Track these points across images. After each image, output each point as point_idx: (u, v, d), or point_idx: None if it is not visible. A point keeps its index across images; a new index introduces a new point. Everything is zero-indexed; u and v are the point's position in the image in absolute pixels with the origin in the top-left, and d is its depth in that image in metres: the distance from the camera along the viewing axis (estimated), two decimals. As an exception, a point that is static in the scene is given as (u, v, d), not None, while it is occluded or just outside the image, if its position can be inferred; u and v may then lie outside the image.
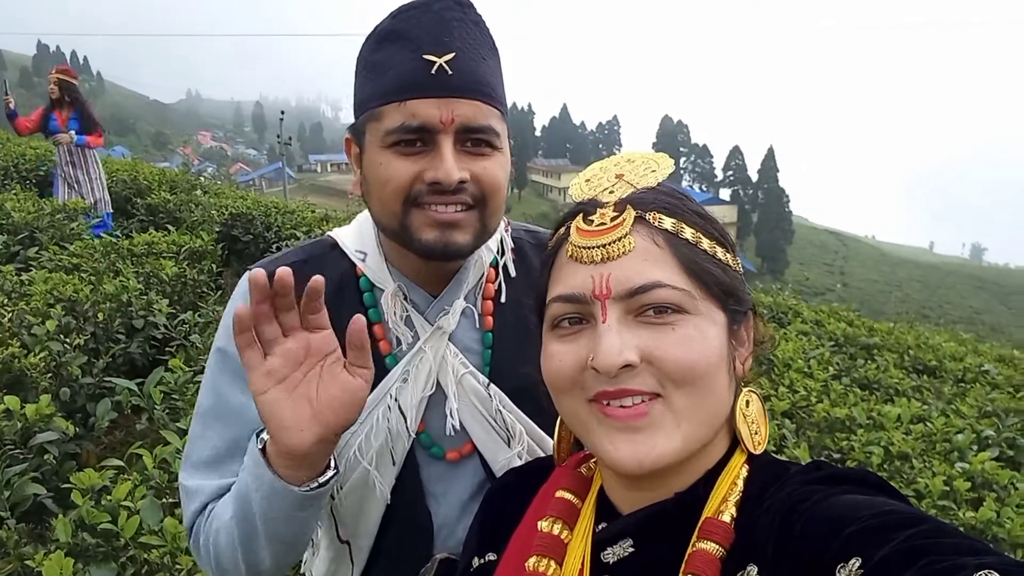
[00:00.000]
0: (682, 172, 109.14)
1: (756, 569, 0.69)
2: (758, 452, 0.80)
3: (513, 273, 1.20)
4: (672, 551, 0.75)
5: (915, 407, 3.87)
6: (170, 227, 6.70)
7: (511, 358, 1.13)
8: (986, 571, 0.52)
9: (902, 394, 4.53)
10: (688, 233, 0.78)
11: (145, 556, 1.95)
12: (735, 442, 0.81)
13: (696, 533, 0.74)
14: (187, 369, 3.28)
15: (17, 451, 2.43)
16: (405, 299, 1.15)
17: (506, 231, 1.23)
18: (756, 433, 0.80)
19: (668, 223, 0.78)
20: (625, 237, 0.76)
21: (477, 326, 1.17)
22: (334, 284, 1.15)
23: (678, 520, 0.77)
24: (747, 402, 0.80)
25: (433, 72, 1.01)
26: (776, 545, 0.68)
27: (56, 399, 3.05)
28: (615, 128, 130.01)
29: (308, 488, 0.96)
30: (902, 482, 2.96)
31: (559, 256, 0.82)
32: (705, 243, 0.79)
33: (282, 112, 44.67)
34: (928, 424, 3.65)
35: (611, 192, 0.82)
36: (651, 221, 0.77)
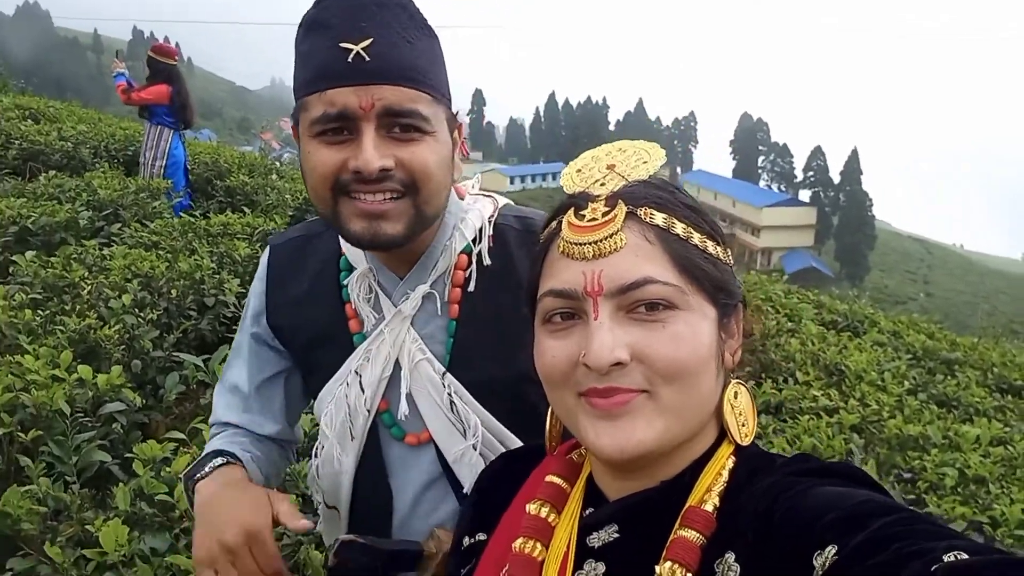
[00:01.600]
0: (760, 171, 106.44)
1: (733, 556, 0.71)
2: (745, 443, 0.81)
3: (487, 262, 1.18)
4: (656, 538, 0.76)
5: (996, 428, 3.65)
6: (246, 209, 6.89)
7: (474, 349, 1.15)
8: (955, 552, 0.54)
9: (982, 414, 4.28)
10: (679, 228, 0.79)
11: (198, 529, 2.00)
12: (723, 433, 0.82)
13: (679, 521, 0.76)
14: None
15: (87, 419, 2.53)
16: (375, 281, 1.19)
17: (490, 219, 1.21)
18: (744, 425, 0.82)
19: (659, 218, 0.79)
20: (617, 234, 0.77)
21: (440, 313, 1.17)
22: (321, 262, 1.25)
23: (663, 508, 0.79)
24: (735, 393, 0.82)
25: (350, 60, 1.00)
26: (756, 533, 0.70)
27: (127, 370, 3.17)
28: (692, 124, 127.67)
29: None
30: (977, 507, 2.79)
31: (551, 250, 0.82)
32: (696, 237, 0.80)
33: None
34: (1009, 447, 3.43)
35: (602, 184, 0.82)
36: (642, 217, 0.78)
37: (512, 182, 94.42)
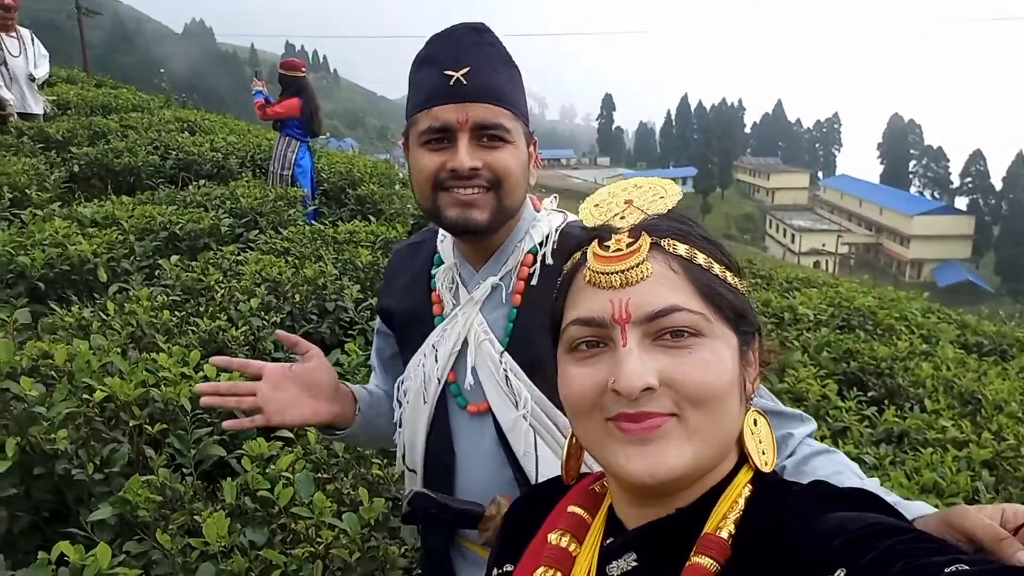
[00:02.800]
0: (911, 176, 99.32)
1: None
2: (766, 471, 0.83)
3: (549, 262, 1.38)
4: (672, 565, 0.78)
5: None
6: (372, 217, 7.21)
7: (529, 334, 1.34)
8: (957, 565, 0.56)
9: None
10: (701, 259, 0.82)
11: (293, 525, 2.12)
12: (741, 461, 0.85)
13: (694, 548, 0.77)
14: (360, 353, 3.51)
15: (205, 414, 2.74)
16: (457, 273, 1.43)
17: (557, 227, 1.42)
18: (764, 453, 0.84)
19: (682, 249, 0.82)
20: (643, 263, 0.80)
21: (505, 302, 1.39)
22: (421, 260, 1.53)
23: (680, 535, 0.80)
24: (755, 421, 0.85)
25: (451, 84, 1.28)
26: (766, 560, 0.71)
27: (249, 370, 3.40)
28: (835, 126, 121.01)
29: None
30: None
31: (575, 281, 0.85)
32: (716, 268, 0.83)
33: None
34: None
35: (622, 218, 0.86)
36: (666, 247, 0.82)
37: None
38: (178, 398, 2.66)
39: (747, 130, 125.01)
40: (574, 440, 0.93)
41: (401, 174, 9.51)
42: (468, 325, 1.39)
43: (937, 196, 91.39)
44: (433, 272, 1.48)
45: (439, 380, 1.40)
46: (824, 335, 4.79)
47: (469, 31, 1.33)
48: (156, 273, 4.47)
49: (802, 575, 0.66)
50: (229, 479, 2.25)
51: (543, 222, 1.42)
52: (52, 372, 2.72)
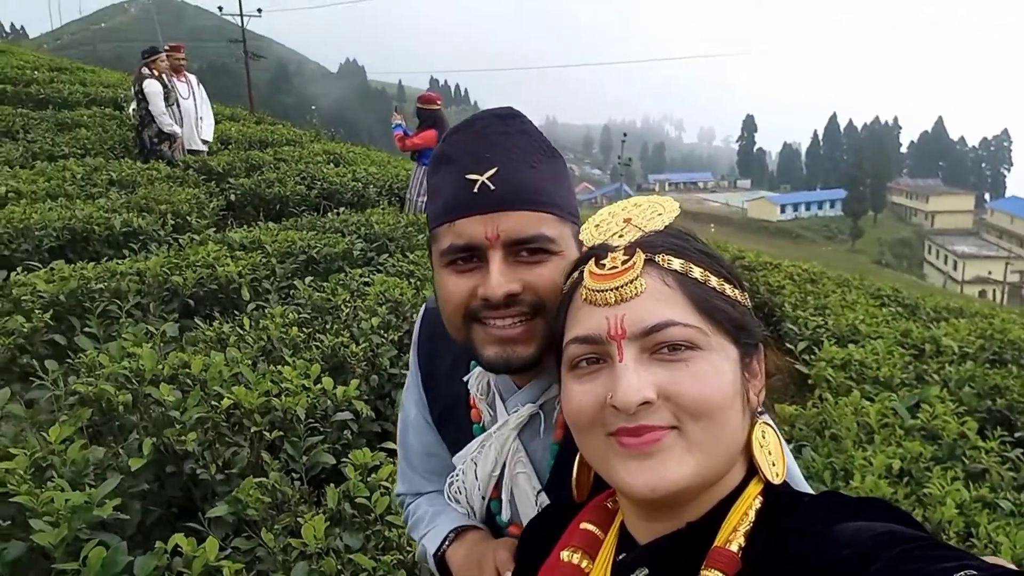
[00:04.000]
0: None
1: None
2: (777, 483, 0.83)
3: None
4: None
5: None
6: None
7: (569, 477, 1.12)
8: (965, 571, 0.56)
9: None
10: (696, 272, 0.83)
11: (387, 533, 2.22)
12: (750, 473, 0.84)
13: (705, 561, 0.77)
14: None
15: (321, 425, 2.92)
16: (494, 383, 1.23)
17: None
18: (774, 464, 0.84)
19: (676, 264, 0.82)
20: (637, 279, 0.81)
21: (544, 434, 1.19)
22: (460, 350, 1.27)
23: (690, 548, 0.80)
24: (763, 433, 0.85)
25: (476, 190, 1.03)
26: (776, 572, 0.71)
27: (366, 383, 3.58)
28: (1004, 144, 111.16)
29: None
30: None
31: (574, 299, 0.87)
32: (713, 281, 0.83)
33: (624, 134, 46.51)
34: None
35: (621, 236, 0.87)
36: (660, 263, 0.82)
37: (783, 210, 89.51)
38: (296, 407, 2.84)
39: (903, 149, 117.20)
40: (582, 458, 0.94)
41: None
42: (505, 451, 1.22)
43: None
44: (468, 374, 1.27)
45: (483, 497, 1.27)
46: (969, 369, 4.40)
47: (493, 120, 1.10)
48: (291, 293, 4.81)
49: None
50: (332, 485, 2.38)
51: None
52: (188, 380, 2.99)
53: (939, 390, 3.99)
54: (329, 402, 3.08)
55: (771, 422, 0.87)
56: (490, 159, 1.04)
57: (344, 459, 2.79)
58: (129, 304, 4.15)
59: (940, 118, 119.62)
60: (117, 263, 4.74)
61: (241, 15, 36.31)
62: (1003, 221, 77.03)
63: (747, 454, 0.84)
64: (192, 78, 9.80)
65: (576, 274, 0.89)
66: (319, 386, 3.13)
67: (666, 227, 0.87)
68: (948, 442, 3.40)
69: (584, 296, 0.84)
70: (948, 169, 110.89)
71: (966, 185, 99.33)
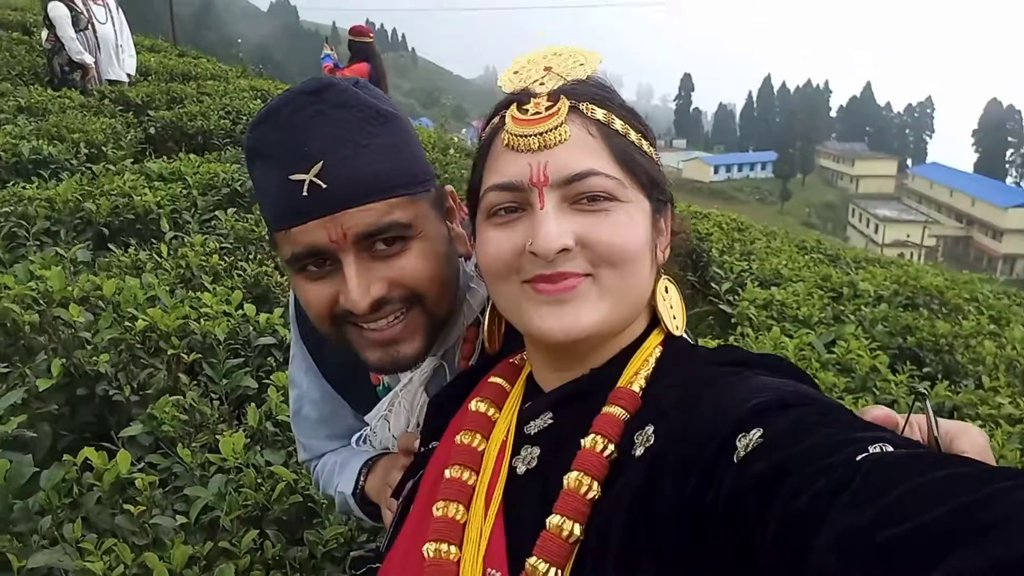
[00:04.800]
0: (1007, 166, 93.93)
1: (652, 428, 0.73)
2: (677, 334, 0.86)
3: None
4: (585, 420, 0.79)
5: None
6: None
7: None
8: (880, 443, 0.55)
9: None
10: (618, 124, 0.82)
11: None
12: (652, 325, 0.88)
13: (607, 400, 0.79)
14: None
15: (240, 348, 2.84)
16: None
17: None
18: (675, 317, 0.87)
19: (600, 114, 0.81)
20: (561, 126, 0.79)
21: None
22: None
23: (593, 392, 0.82)
24: (666, 288, 0.88)
25: (305, 193, 0.90)
26: (676, 412, 0.72)
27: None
28: (928, 111, 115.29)
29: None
30: None
31: (494, 145, 0.85)
32: (633, 135, 0.83)
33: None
34: None
35: (542, 84, 0.85)
36: (584, 111, 0.81)
37: (716, 171, 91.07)
38: (215, 331, 2.76)
39: (833, 114, 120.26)
40: (493, 309, 0.95)
41: (456, 139, 9.56)
42: (415, 407, 1.18)
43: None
44: None
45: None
46: (883, 310, 4.60)
47: (302, 101, 0.93)
48: (212, 223, 4.63)
49: (712, 431, 0.65)
50: (252, 404, 2.33)
51: (479, 283, 1.13)
52: (100, 302, 2.86)
53: (854, 328, 4.16)
54: (251, 329, 3.00)
55: (673, 281, 0.90)
56: (312, 153, 0.90)
57: (267, 383, 2.74)
58: (37, 228, 3.92)
59: (868, 83, 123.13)
60: (24, 187, 4.47)
61: (164, -57, 34.16)
62: (923, 187, 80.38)
63: (650, 307, 0.87)
64: (111, 1, 9.20)
65: (496, 119, 0.87)
66: (240, 312, 3.04)
67: (587, 77, 0.86)
68: (861, 375, 3.55)
69: (506, 141, 0.82)
70: (874, 134, 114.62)
71: (890, 150, 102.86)
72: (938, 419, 0.65)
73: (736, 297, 4.82)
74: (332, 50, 8.53)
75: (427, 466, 0.94)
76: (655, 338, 0.86)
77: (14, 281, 2.96)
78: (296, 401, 1.40)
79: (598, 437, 0.76)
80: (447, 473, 0.86)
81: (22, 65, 9.23)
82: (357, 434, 1.33)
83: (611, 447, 0.76)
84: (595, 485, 0.74)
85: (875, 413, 0.67)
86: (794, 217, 74.21)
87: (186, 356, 2.64)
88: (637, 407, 0.78)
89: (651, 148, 0.86)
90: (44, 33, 8.92)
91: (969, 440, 0.63)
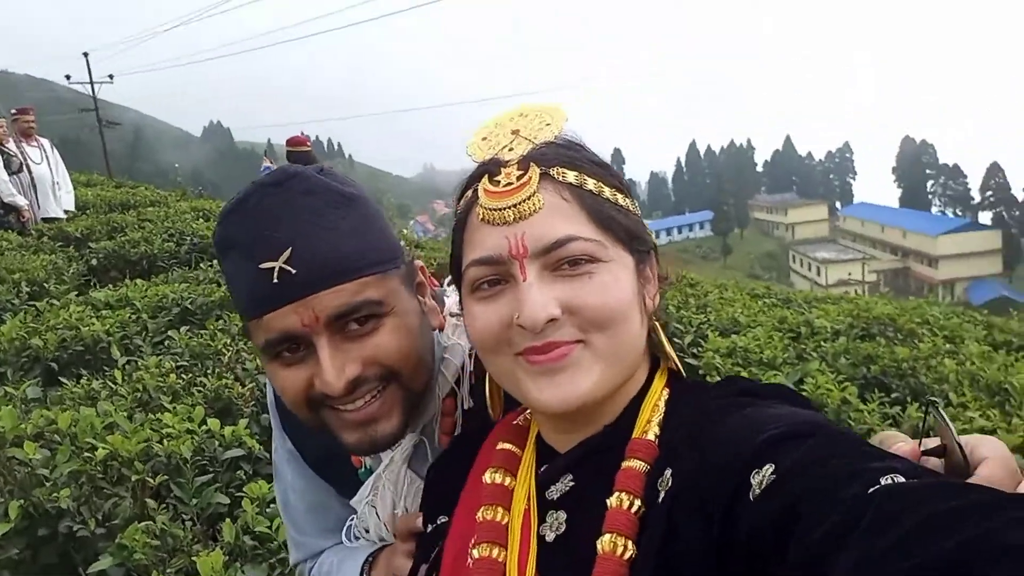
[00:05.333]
0: (930, 197, 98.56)
1: (670, 471, 0.73)
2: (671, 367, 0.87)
3: (468, 404, 1.13)
4: (607, 477, 0.78)
5: None
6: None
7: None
8: (892, 475, 0.54)
9: None
10: (591, 184, 0.81)
11: (292, 559, 2.08)
12: (653, 371, 0.87)
13: (625, 454, 0.79)
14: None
15: (211, 466, 2.74)
16: None
17: (471, 352, 1.14)
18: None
19: (571, 176, 0.81)
20: (534, 196, 0.79)
21: (430, 459, 1.12)
22: None
23: (609, 448, 0.81)
24: (661, 328, 0.88)
25: (276, 280, 0.91)
26: (689, 450, 0.72)
27: (256, 424, 3.40)
28: (847, 156, 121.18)
29: None
30: None
31: (470, 219, 0.84)
32: (607, 191, 0.83)
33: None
34: None
35: (510, 149, 0.85)
36: (555, 176, 0.80)
37: (657, 236, 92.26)
38: (180, 451, 2.65)
39: (759, 168, 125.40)
40: (492, 377, 0.93)
41: (406, 232, 9.64)
42: (400, 487, 1.15)
43: (959, 213, 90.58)
44: None
45: (394, 535, 1.18)
46: (842, 343, 4.69)
47: (268, 191, 0.95)
48: (166, 343, 4.53)
49: (727, 467, 0.65)
50: (228, 520, 2.22)
51: (453, 350, 1.14)
52: (56, 436, 2.74)
53: (818, 364, 4.23)
54: (217, 443, 2.90)
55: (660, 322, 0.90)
56: (281, 239, 0.91)
57: (240, 497, 2.63)
58: (-19, 371, 3.77)
59: (788, 136, 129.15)
60: (-36, 332, 4.33)
61: (91, 82, 34.64)
62: (855, 226, 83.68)
63: (648, 355, 0.87)
64: (45, 142, 9.20)
65: (470, 193, 0.86)
66: (204, 428, 2.95)
67: (555, 137, 0.86)
68: (833, 408, 3.59)
69: (481, 216, 0.82)
70: (800, 183, 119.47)
71: (818, 196, 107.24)
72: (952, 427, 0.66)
73: (699, 349, 4.86)
74: (272, 163, 8.64)
75: (444, 544, 0.90)
76: (660, 381, 0.85)
77: (-39, 427, 2.82)
78: (282, 494, 1.36)
79: (623, 495, 0.75)
80: (475, 553, 0.83)
81: (-45, 213, 9.06)
82: (346, 526, 1.28)
83: (637, 502, 0.75)
84: (629, 544, 0.73)
85: (901, 448, 0.66)
86: (739, 270, 76.06)
87: (151, 480, 2.52)
88: (655, 456, 0.77)
89: (627, 200, 0.85)
90: (-24, 178, 8.85)
91: (989, 446, 0.63)
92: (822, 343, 4.91)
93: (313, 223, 0.93)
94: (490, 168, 0.83)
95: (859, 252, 74.83)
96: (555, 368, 0.77)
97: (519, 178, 0.80)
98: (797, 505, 0.57)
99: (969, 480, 0.60)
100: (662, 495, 0.73)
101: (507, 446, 0.92)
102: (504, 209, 0.79)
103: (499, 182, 0.81)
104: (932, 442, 0.68)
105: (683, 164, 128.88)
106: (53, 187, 9.13)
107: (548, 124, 0.87)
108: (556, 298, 0.77)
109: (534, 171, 0.80)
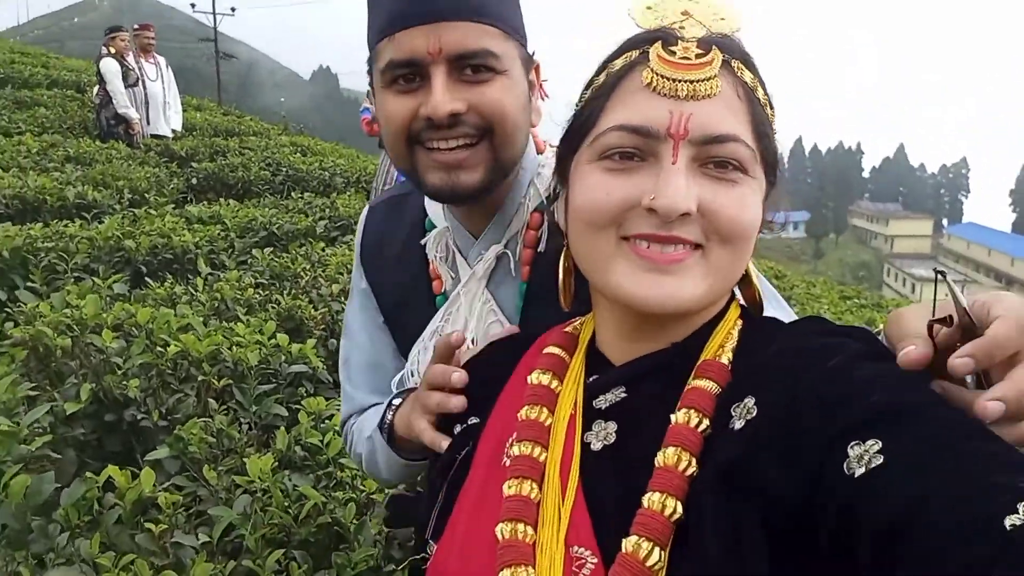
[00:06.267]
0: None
1: (753, 400, 0.68)
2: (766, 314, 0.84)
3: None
4: (665, 394, 0.74)
5: None
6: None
7: (543, 315, 1.03)
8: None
9: None
10: (761, 93, 0.76)
11: (339, 473, 2.09)
12: (730, 299, 0.83)
13: (693, 373, 0.74)
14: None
15: (272, 376, 2.78)
16: (452, 241, 1.17)
17: None
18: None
19: (748, 77, 0.75)
20: (714, 78, 0.72)
21: (514, 275, 1.13)
22: (411, 222, 1.24)
23: (673, 366, 0.77)
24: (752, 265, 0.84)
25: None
26: (783, 387, 0.66)
27: (324, 347, 3.44)
28: (963, 172, 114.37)
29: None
30: None
31: (627, 81, 0.75)
32: (769, 108, 0.77)
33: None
34: None
35: (682, 27, 0.75)
36: (735, 70, 0.74)
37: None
38: (247, 359, 2.70)
39: (865, 175, 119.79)
40: (568, 263, 0.87)
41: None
42: (474, 307, 1.15)
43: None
44: (424, 239, 1.21)
45: None
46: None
47: None
48: (249, 261, 4.65)
49: (822, 424, 0.61)
50: (282, 428, 2.25)
51: (549, 168, 1.14)
52: (134, 329, 2.83)
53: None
54: (283, 357, 2.94)
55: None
56: None
57: (298, 410, 2.66)
58: (74, 262, 3.95)
59: (901, 145, 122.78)
60: (66, 225, 4.54)
61: (214, 13, 35.86)
62: (960, 247, 79.10)
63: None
64: (161, 60, 9.54)
65: (635, 54, 0.76)
66: (272, 341, 2.99)
67: (732, 33, 0.78)
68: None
69: (648, 80, 0.73)
70: (908, 194, 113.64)
71: (925, 210, 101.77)
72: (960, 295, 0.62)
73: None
74: (371, 103, 8.69)
75: (478, 442, 0.85)
76: (735, 311, 0.81)
77: (50, 309, 2.95)
78: (346, 350, 1.36)
79: (691, 411, 0.71)
80: (515, 449, 0.79)
81: (73, 120, 9.56)
82: (397, 376, 1.26)
83: (706, 422, 0.70)
84: (693, 461, 0.69)
85: (912, 351, 0.62)
86: (829, 276, 73.45)
87: (216, 382, 2.58)
88: (727, 380, 0.73)
89: (775, 127, 0.80)
90: (95, 88, 9.28)
91: (1004, 304, 0.60)
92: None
93: None
94: (666, 36, 0.75)
95: (960, 274, 70.84)
96: (667, 269, 0.72)
97: (699, 56, 0.73)
98: (911, 511, 0.51)
99: (980, 339, 0.58)
100: (739, 423, 0.68)
101: (556, 351, 0.87)
102: (679, 81, 0.71)
103: (675, 52, 0.73)
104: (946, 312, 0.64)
105: (785, 161, 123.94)
106: (164, 105, 9.49)
107: (723, 19, 0.78)
108: (696, 195, 0.71)
109: (717, 54, 0.73)
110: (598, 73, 0.80)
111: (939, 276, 0.66)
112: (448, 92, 0.98)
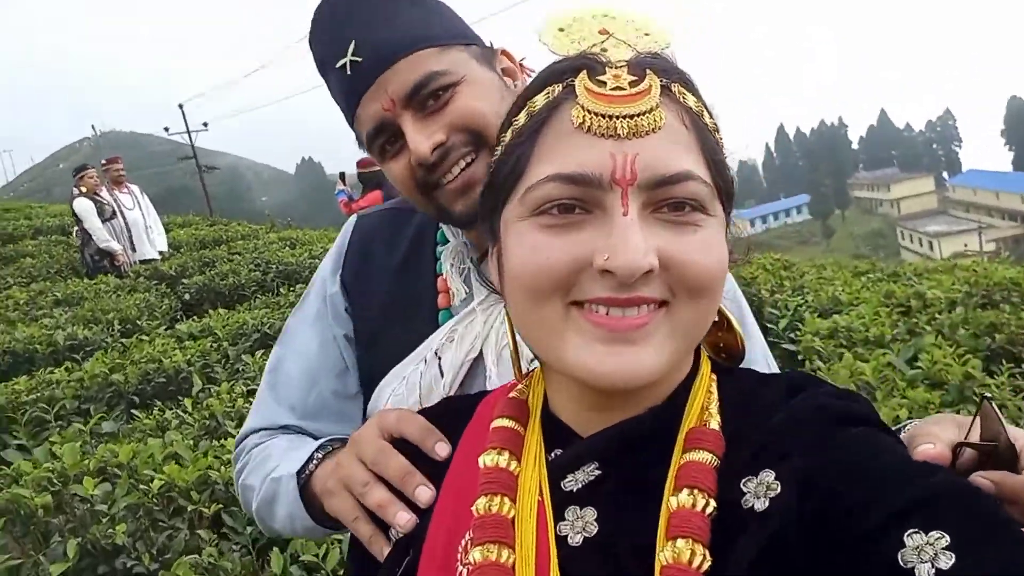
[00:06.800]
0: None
1: (772, 475, 0.59)
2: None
3: None
4: (648, 469, 0.65)
5: None
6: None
7: None
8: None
9: None
10: (707, 117, 0.66)
11: (340, 588, 1.92)
12: (697, 354, 0.73)
13: (682, 445, 0.65)
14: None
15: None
16: (470, 256, 1.11)
17: None
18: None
19: (691, 101, 0.64)
20: (656, 109, 0.61)
21: None
22: (417, 233, 1.19)
23: (655, 435, 0.67)
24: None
25: (349, 73, 1.00)
26: (809, 464, 0.58)
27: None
28: (949, 123, 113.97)
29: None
30: None
31: (557, 121, 0.63)
32: (718, 134, 0.67)
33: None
34: None
35: (604, 50, 0.64)
36: (676, 95, 0.63)
37: (753, 224, 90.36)
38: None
39: (854, 146, 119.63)
40: (515, 332, 0.75)
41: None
42: (490, 324, 1.07)
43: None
44: (439, 253, 1.15)
45: (445, 395, 1.05)
46: (960, 313, 4.19)
47: None
48: (240, 369, 4.53)
49: (869, 505, 0.54)
50: (276, 549, 2.08)
51: None
52: (116, 469, 2.69)
53: (934, 338, 3.77)
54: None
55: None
56: (345, 36, 1.00)
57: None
58: (61, 409, 3.84)
59: (883, 110, 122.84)
60: (51, 372, 4.45)
61: (188, 131, 36.65)
62: (966, 195, 78.32)
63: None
64: (135, 188, 9.61)
65: (558, 88, 0.64)
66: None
67: (661, 52, 0.66)
68: (955, 384, 3.16)
69: (579, 120, 0.61)
70: (901, 156, 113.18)
71: (922, 168, 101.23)
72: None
73: (797, 333, 4.46)
74: (345, 186, 8.70)
75: (428, 534, 0.71)
76: (706, 364, 0.72)
77: (32, 467, 2.83)
78: (277, 358, 1.23)
79: (695, 492, 0.61)
80: (477, 555, 0.65)
81: (60, 263, 9.64)
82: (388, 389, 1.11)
83: (712, 503, 0.60)
84: (706, 553, 0.58)
85: (928, 452, 0.59)
86: (843, 252, 72.72)
87: (207, 509, 2.42)
88: (723, 450, 0.63)
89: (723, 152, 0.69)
90: (75, 229, 9.34)
91: None
92: (936, 315, 4.40)
93: (372, 15, 1.00)
94: (590, 64, 0.63)
95: (974, 221, 69.95)
96: (630, 337, 0.61)
97: (633, 84, 0.61)
98: None
99: (1018, 477, 0.56)
100: (761, 502, 0.58)
101: (508, 423, 0.73)
102: (616, 118, 0.60)
103: (604, 83, 0.62)
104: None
105: (772, 149, 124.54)
106: (146, 230, 9.52)
107: (647, 34, 0.66)
108: (655, 247, 0.60)
109: (653, 80, 0.62)
110: (516, 112, 0.68)
111: (983, 401, 0.60)
112: (420, 132, 0.99)
